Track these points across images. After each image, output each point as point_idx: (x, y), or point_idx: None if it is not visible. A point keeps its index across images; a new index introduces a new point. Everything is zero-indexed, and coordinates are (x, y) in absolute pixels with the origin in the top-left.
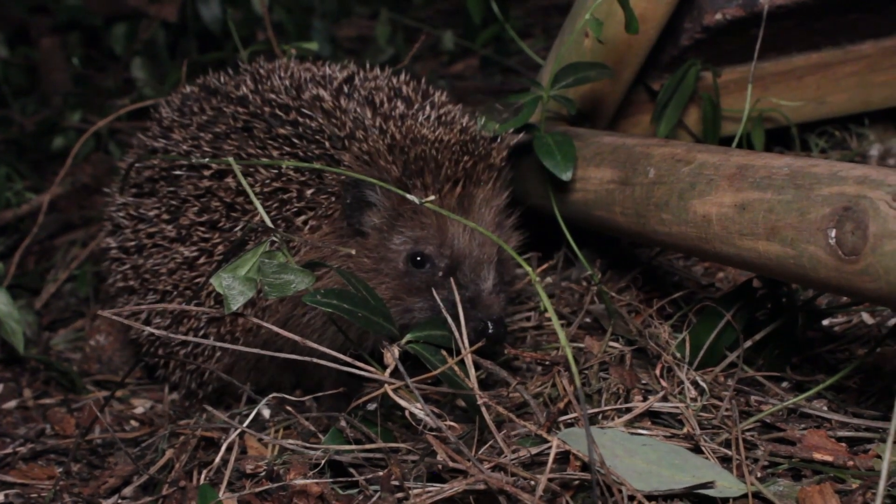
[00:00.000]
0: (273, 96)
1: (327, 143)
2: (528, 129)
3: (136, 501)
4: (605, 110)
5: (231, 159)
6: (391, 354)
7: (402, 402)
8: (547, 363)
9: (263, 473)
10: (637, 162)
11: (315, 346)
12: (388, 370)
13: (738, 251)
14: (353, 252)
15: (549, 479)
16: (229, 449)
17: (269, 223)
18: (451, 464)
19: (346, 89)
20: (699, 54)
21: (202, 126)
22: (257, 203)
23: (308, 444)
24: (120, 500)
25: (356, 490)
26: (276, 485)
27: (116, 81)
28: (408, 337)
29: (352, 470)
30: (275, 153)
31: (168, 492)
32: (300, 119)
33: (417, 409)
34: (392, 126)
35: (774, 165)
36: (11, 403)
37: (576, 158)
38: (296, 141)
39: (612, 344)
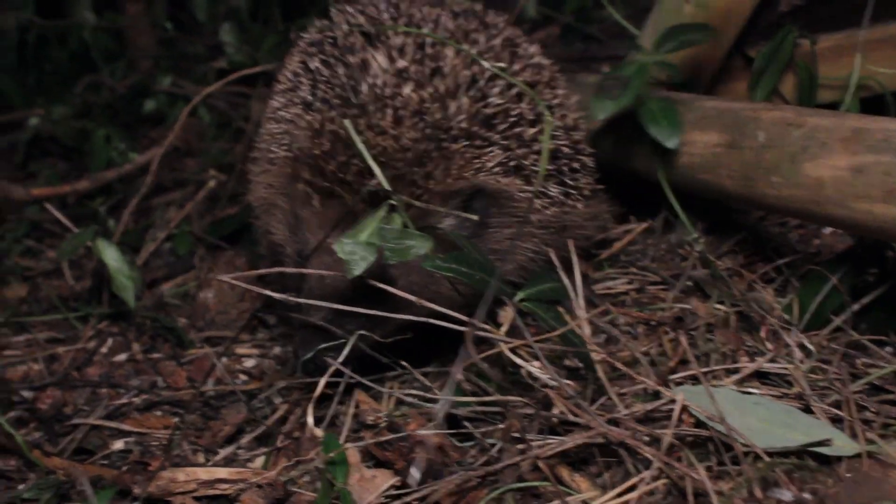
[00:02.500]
0: None
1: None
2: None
3: (250, 451)
4: (703, 77)
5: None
6: (508, 314)
7: (519, 361)
8: (653, 323)
9: (384, 424)
10: (745, 126)
11: (431, 305)
12: (504, 329)
13: (852, 214)
14: None
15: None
16: (342, 402)
17: (386, 185)
18: (570, 417)
19: None
20: (795, 21)
21: None
22: (375, 165)
23: (427, 395)
24: (237, 450)
25: (472, 443)
26: (396, 435)
27: (203, 46)
28: (520, 295)
29: (466, 423)
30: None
31: (283, 443)
32: None
33: (534, 367)
34: None
35: (890, 129)
36: (122, 357)
37: (681, 124)
38: None
39: (716, 306)
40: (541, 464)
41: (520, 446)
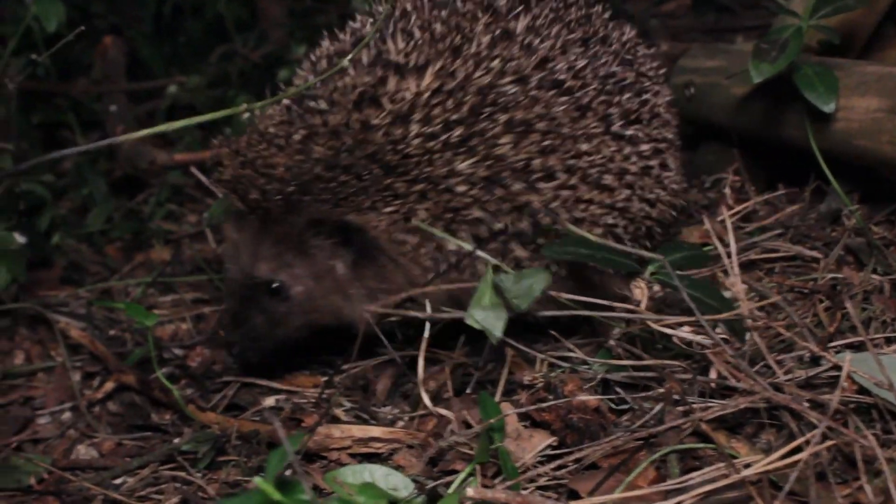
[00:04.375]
0: None
1: None
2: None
3: (399, 412)
4: (856, 42)
5: None
6: (643, 289)
7: (667, 330)
8: (806, 291)
9: (540, 385)
10: None
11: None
12: (644, 304)
13: None
14: None
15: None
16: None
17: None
18: (732, 382)
19: None
20: None
21: None
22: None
23: (582, 357)
24: (392, 411)
25: (625, 406)
26: (556, 399)
27: (336, 15)
28: (651, 268)
29: (619, 389)
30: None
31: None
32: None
33: (686, 333)
34: None
35: None
36: None
37: (838, 89)
38: None
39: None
40: (704, 426)
41: (680, 409)
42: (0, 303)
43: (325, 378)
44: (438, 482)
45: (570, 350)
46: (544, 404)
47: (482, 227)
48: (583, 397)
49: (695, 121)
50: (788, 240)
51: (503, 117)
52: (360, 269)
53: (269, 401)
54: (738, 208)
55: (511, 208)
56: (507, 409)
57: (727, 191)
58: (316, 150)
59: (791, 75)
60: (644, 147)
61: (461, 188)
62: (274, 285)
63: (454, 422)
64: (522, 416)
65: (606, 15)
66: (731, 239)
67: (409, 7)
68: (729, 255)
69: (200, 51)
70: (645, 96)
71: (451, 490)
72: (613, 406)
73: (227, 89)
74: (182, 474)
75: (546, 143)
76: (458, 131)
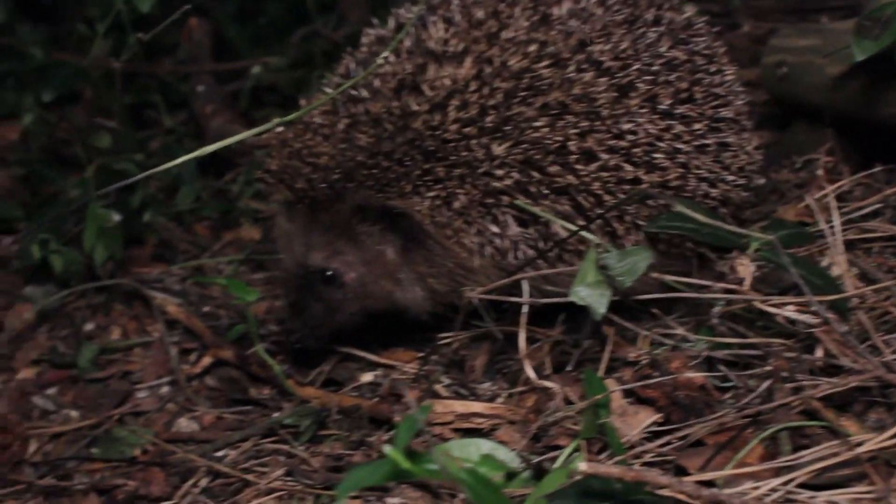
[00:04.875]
0: None
1: None
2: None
3: (495, 385)
4: None
5: None
6: (747, 266)
7: (772, 309)
8: None
9: (645, 362)
10: None
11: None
12: (747, 282)
13: None
14: None
15: None
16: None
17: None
18: (841, 360)
19: None
20: None
21: None
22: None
23: (686, 335)
24: (491, 387)
25: (729, 384)
26: (661, 376)
27: None
28: (754, 245)
29: (722, 367)
30: None
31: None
32: None
33: (790, 312)
34: None
35: None
36: None
37: None
38: None
39: None
40: (815, 404)
41: (789, 386)
42: (97, 279)
43: (421, 354)
44: (544, 457)
45: (671, 327)
46: (650, 381)
47: (524, 211)
48: (689, 374)
49: (787, 101)
50: (887, 220)
51: (538, 101)
52: (409, 254)
53: (367, 376)
54: (833, 186)
55: (550, 191)
56: (612, 385)
57: (820, 171)
58: (358, 137)
59: (893, 53)
60: (697, 126)
61: (499, 172)
62: (328, 273)
63: (557, 397)
64: (626, 393)
65: None
66: (835, 217)
67: None
68: (832, 233)
69: (282, 32)
70: (699, 75)
71: (556, 464)
72: (717, 384)
73: (309, 70)
74: (284, 447)
75: (584, 124)
76: (492, 116)
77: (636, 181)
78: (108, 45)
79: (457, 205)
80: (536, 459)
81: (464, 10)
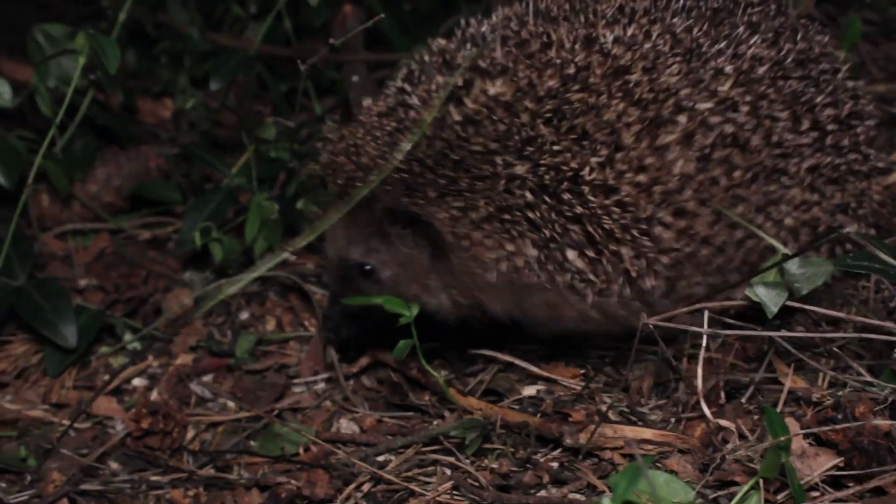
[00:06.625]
0: None
1: None
2: None
3: (661, 410)
4: None
5: None
6: None
7: None
8: None
9: (829, 403)
10: None
11: None
12: None
13: None
14: None
15: None
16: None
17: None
18: None
19: None
20: None
21: None
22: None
23: (871, 379)
24: (656, 412)
25: None
26: (845, 419)
27: None
28: None
29: None
30: None
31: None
32: None
33: None
34: None
35: None
36: None
37: None
38: None
39: None
40: None
41: None
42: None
43: (582, 371)
44: (719, 493)
45: (852, 368)
46: (836, 426)
47: (537, 233)
48: (876, 421)
49: None
50: None
51: (563, 125)
52: (437, 262)
53: (530, 390)
54: None
55: (561, 217)
56: (793, 425)
57: None
58: (400, 141)
59: None
60: (737, 174)
61: (518, 192)
62: (367, 267)
63: (734, 433)
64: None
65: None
66: None
67: (510, 13)
68: None
69: (426, 23)
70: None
71: (734, 502)
72: None
73: None
74: (447, 458)
75: (604, 152)
76: (516, 136)
77: (652, 220)
78: (264, 28)
79: (475, 216)
80: (713, 495)
81: (518, 29)
